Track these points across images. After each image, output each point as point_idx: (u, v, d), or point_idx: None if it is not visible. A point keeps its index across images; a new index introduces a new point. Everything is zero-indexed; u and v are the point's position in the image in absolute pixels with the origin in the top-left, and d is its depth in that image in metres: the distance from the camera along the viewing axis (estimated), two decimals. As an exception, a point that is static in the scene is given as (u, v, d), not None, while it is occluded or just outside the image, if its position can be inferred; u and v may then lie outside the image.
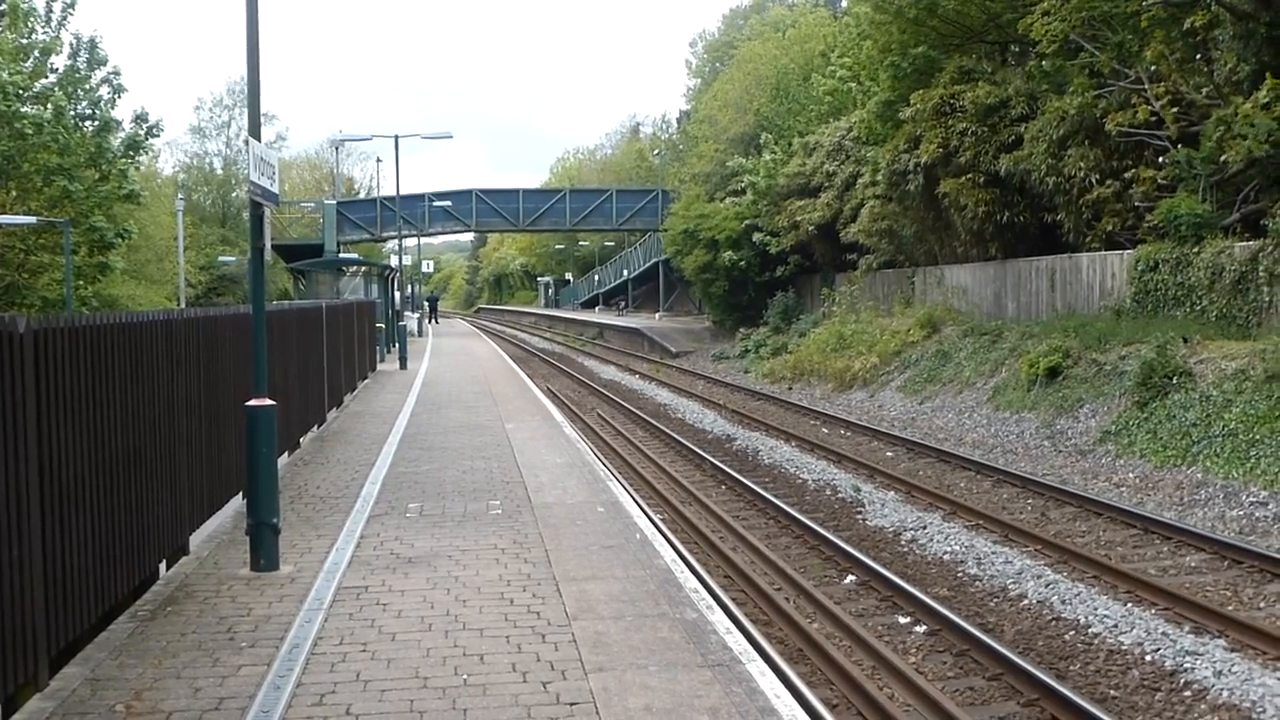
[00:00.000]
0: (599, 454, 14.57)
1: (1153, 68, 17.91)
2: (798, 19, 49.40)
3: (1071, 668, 7.72)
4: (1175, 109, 17.50)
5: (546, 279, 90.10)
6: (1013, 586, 9.50)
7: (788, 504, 12.91)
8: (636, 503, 11.09)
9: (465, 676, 5.56)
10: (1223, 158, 16.29)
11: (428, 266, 67.85)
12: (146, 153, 31.07)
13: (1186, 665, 7.45)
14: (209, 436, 8.36)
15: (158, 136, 29.26)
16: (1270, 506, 11.24)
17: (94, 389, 6.00)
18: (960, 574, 10.10)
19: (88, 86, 27.58)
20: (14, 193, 26.16)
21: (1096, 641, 8.11)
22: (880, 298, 28.79)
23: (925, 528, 11.68)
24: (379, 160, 79.36)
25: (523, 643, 6.05)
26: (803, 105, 40.04)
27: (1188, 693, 7.13)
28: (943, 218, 24.28)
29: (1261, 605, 8.79)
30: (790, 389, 26.54)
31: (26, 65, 26.50)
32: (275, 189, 8.06)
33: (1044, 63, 20.69)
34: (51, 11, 27.37)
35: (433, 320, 60.30)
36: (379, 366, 26.72)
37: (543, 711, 5.11)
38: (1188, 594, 8.82)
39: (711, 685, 5.42)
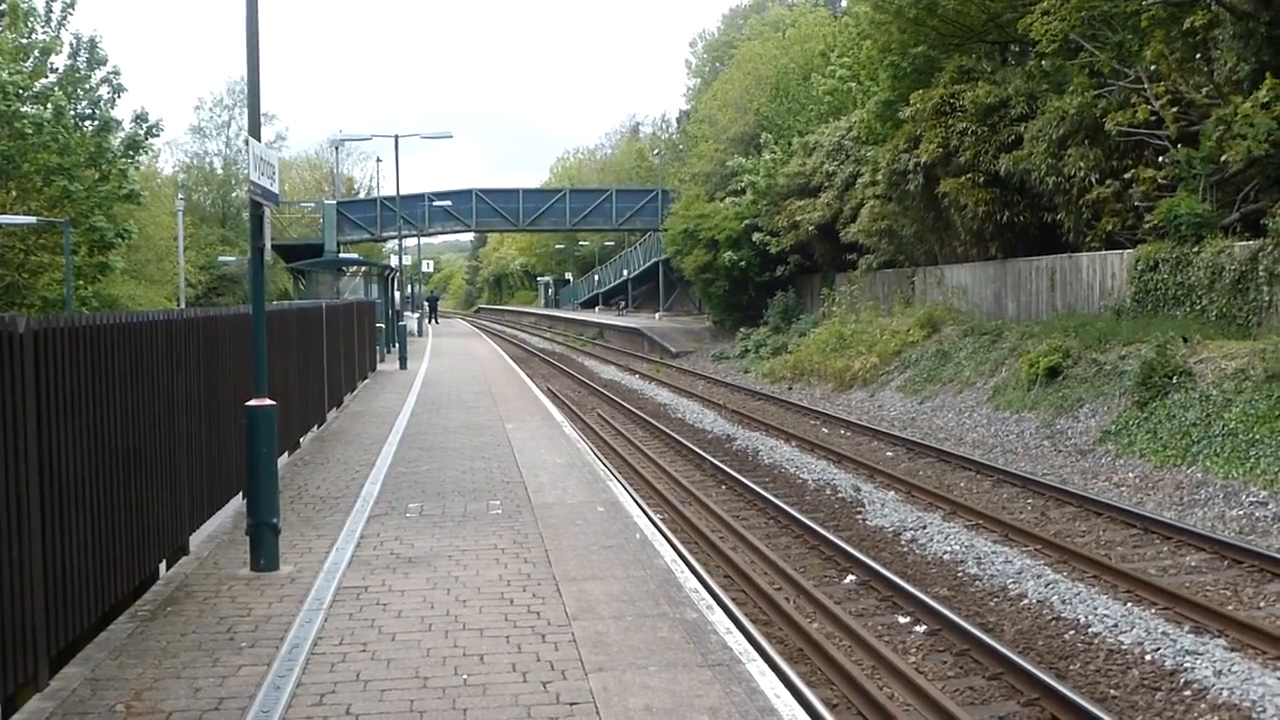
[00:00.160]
0: (599, 454, 14.57)
1: (1152, 67, 17.91)
2: (797, 19, 49.39)
3: (1071, 667, 7.72)
4: (1175, 109, 17.50)
5: (546, 279, 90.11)
6: (1013, 586, 9.51)
7: (788, 504, 12.91)
8: (636, 503, 11.09)
9: (465, 676, 5.56)
10: (1222, 157, 16.29)
11: (428, 266, 67.85)
12: (146, 152, 31.07)
13: (1186, 665, 7.45)
14: (209, 436, 8.36)
15: (158, 136, 29.29)
16: (1270, 506, 11.23)
17: (94, 389, 6.00)
18: (960, 574, 10.10)
19: (88, 86, 27.58)
20: (14, 193, 26.16)
21: (1096, 641, 8.11)
22: (880, 297, 28.79)
23: (925, 527, 11.68)
24: (379, 160, 79.49)
25: (523, 643, 6.05)
26: (802, 105, 40.04)
27: (1188, 692, 7.13)
28: (943, 217, 24.28)
29: (1261, 605, 8.79)
30: (790, 389, 26.54)
31: (26, 65, 26.50)
32: (275, 189, 8.06)
33: (1044, 62, 20.69)
34: (51, 11, 27.39)
35: (433, 320, 60.30)
36: (379, 366, 26.72)
37: (543, 711, 5.11)
38: (1188, 594, 8.82)
39: (711, 685, 5.42)
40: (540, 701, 5.22)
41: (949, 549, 10.81)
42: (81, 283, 26.87)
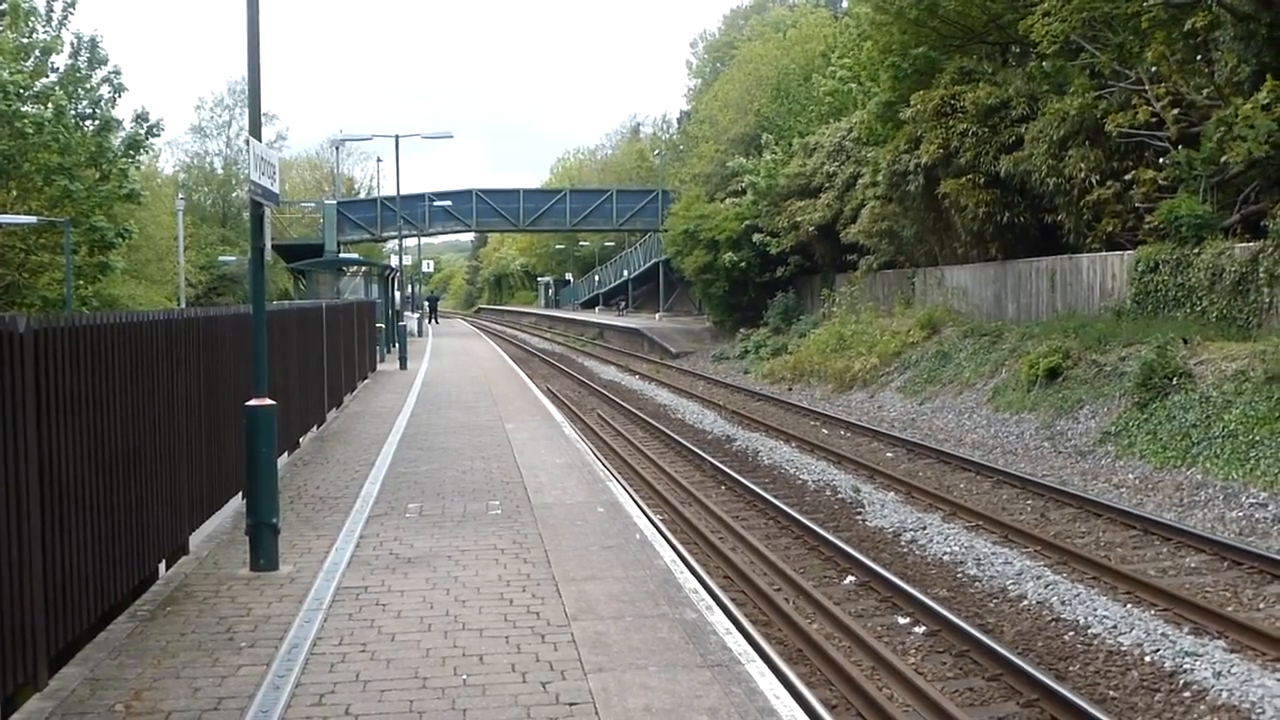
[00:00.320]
0: (599, 454, 14.57)
1: (1153, 69, 17.92)
2: (798, 19, 49.41)
3: (1071, 668, 7.72)
4: (1176, 110, 17.50)
5: (546, 279, 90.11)
6: (1012, 587, 9.50)
7: (787, 504, 12.90)
8: (636, 503, 11.09)
9: (465, 677, 5.56)
10: (1223, 159, 16.29)
11: (428, 266, 67.87)
12: (147, 152, 31.05)
13: (1186, 666, 7.45)
14: (209, 436, 8.36)
15: (158, 136, 29.27)
16: (1270, 508, 11.23)
17: (94, 389, 6.00)
18: (960, 575, 10.09)
19: (88, 86, 27.57)
20: (14, 192, 26.16)
21: (1096, 642, 8.10)
22: (880, 298, 28.79)
23: (925, 528, 11.68)
24: (379, 160, 79.52)
25: (522, 643, 6.04)
26: (803, 106, 40.05)
27: (1187, 693, 7.13)
28: (943, 218, 24.28)
29: (1261, 606, 8.79)
30: (790, 390, 26.54)
31: (27, 64, 26.49)
32: (275, 189, 8.06)
33: (1044, 63, 20.69)
34: (52, 11, 27.39)
35: (433, 320, 60.31)
36: (379, 366, 26.72)
37: (542, 712, 5.11)
38: (1187, 595, 8.82)
39: (711, 685, 5.42)
40: (540, 702, 5.22)
41: (949, 550, 10.81)
42: (82, 282, 26.86)
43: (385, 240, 55.49)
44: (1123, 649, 7.91)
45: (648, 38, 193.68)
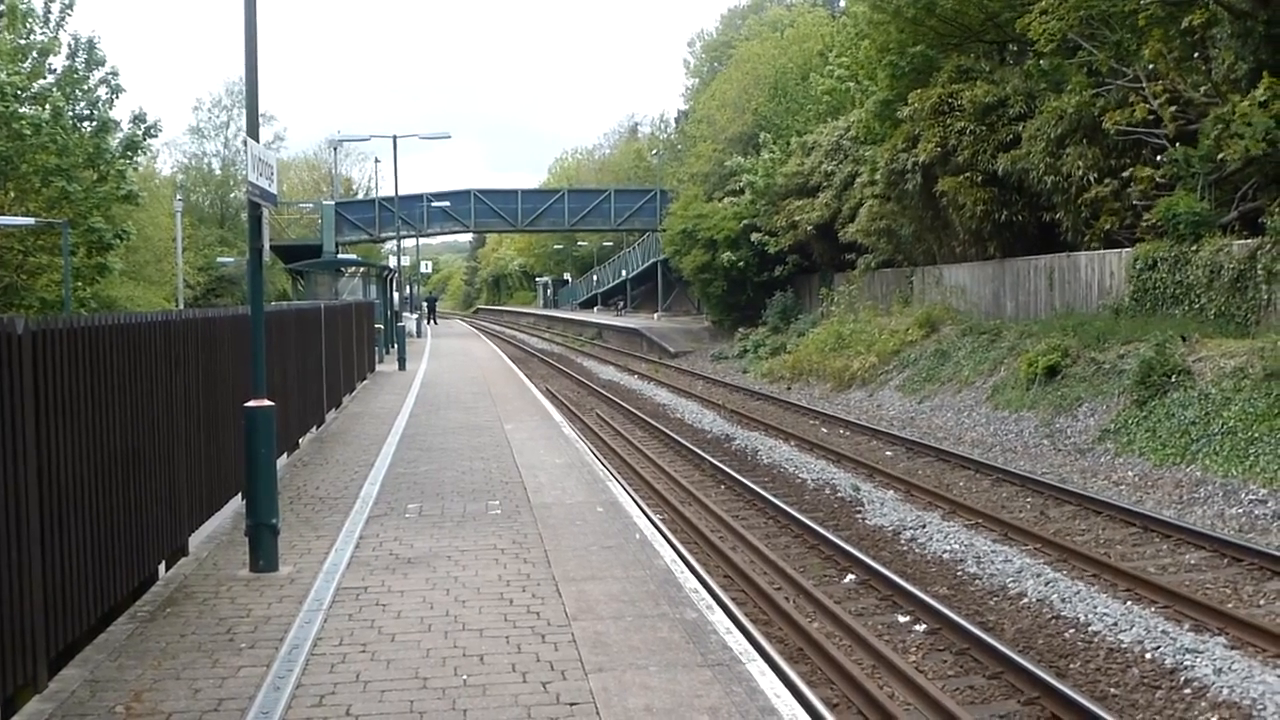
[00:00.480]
0: (598, 454, 14.57)
1: (1151, 66, 17.92)
2: (796, 19, 49.39)
3: (1071, 666, 7.72)
4: (1173, 107, 17.50)
5: (545, 279, 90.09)
6: (1012, 585, 9.50)
7: (787, 503, 12.90)
8: (636, 503, 11.09)
9: (465, 677, 5.56)
10: (1220, 156, 16.30)
11: (426, 267, 67.83)
12: (145, 153, 31.06)
13: (1186, 663, 7.45)
14: (208, 437, 8.36)
15: (156, 137, 29.29)
16: (1269, 504, 11.24)
17: (92, 390, 5.99)
18: (960, 573, 10.09)
19: (86, 87, 27.56)
20: (12, 193, 26.15)
21: (1096, 640, 8.11)
22: (879, 297, 28.79)
23: (924, 526, 11.68)
24: (377, 161, 79.49)
25: (522, 643, 6.04)
26: (801, 105, 40.04)
27: (1188, 690, 7.13)
28: (941, 217, 24.28)
29: (1261, 603, 8.79)
30: (789, 389, 26.54)
31: (25, 66, 26.48)
32: (273, 189, 8.05)
33: (1042, 62, 20.69)
34: (50, 12, 27.37)
35: (431, 321, 60.28)
36: (378, 367, 26.71)
37: (543, 712, 5.11)
38: (1187, 592, 8.82)
39: (711, 685, 5.41)
40: (540, 702, 5.22)
41: (948, 548, 10.81)
42: (80, 284, 26.85)
43: (383, 241, 55.46)
44: (1123, 646, 7.91)
45: (645, 37, 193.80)
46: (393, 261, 41.90)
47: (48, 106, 25.26)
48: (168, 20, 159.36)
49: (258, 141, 7.74)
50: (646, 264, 60.47)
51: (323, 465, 12.11)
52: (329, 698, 5.29)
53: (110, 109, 27.62)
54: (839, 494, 13.80)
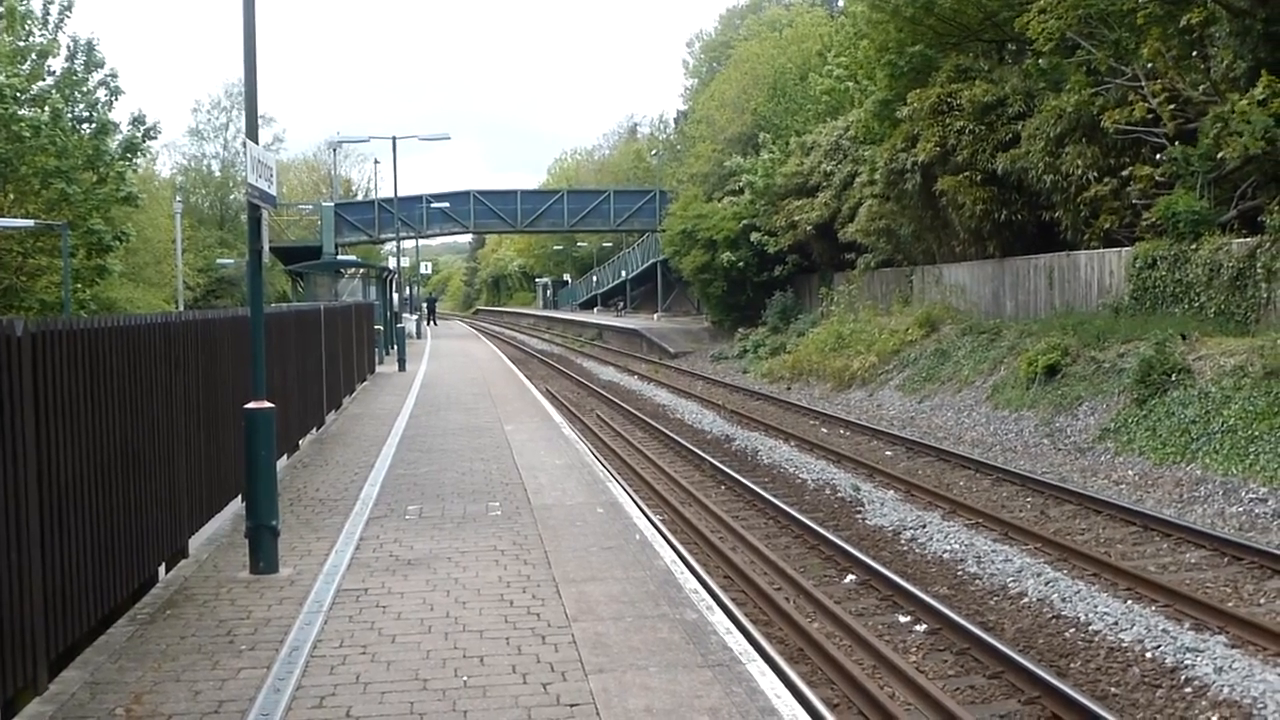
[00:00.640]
0: (598, 455, 14.56)
1: (1149, 65, 17.92)
2: (794, 18, 49.40)
3: (1072, 665, 7.72)
4: (1172, 106, 17.50)
5: (545, 280, 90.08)
6: (1012, 584, 9.50)
7: (787, 504, 12.90)
8: (636, 504, 11.09)
9: (465, 678, 5.55)
10: (1220, 154, 16.30)
11: (426, 268, 67.85)
12: (144, 155, 31.07)
13: (1187, 662, 7.45)
14: (208, 439, 8.36)
15: (155, 139, 29.29)
16: (1270, 503, 11.23)
17: (92, 392, 5.99)
18: (960, 572, 10.09)
19: (85, 89, 27.56)
20: (12, 195, 26.16)
21: (1097, 639, 8.10)
22: (878, 297, 28.80)
23: (925, 526, 11.68)
24: (376, 162, 79.46)
25: (523, 644, 6.04)
26: (800, 105, 40.04)
27: (1188, 689, 7.13)
28: (940, 216, 24.28)
29: (1262, 601, 8.79)
30: (789, 389, 26.54)
31: (24, 67, 26.49)
32: (273, 191, 8.05)
33: (1041, 61, 20.69)
34: (49, 14, 27.38)
35: (431, 322, 60.29)
36: (377, 368, 26.71)
37: (543, 713, 5.10)
38: (1188, 591, 8.82)
39: (712, 685, 5.41)
40: (540, 703, 5.22)
41: (949, 548, 10.81)
42: (79, 285, 26.85)
43: (383, 242, 55.50)
44: (1124, 645, 7.91)
45: (644, 38, 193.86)
46: (392, 263, 41.93)
47: (47, 108, 25.28)
48: (167, 22, 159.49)
49: (257, 143, 7.74)
50: (646, 264, 60.46)
51: (323, 467, 12.11)
52: (329, 699, 5.29)
53: (109, 111, 27.65)
54: (839, 494, 13.80)
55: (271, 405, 7.78)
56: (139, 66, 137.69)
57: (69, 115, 26.34)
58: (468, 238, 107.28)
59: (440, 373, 26.07)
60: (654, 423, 20.80)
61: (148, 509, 6.86)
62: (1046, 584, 9.32)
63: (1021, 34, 20.96)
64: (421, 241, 56.06)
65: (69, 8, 27.52)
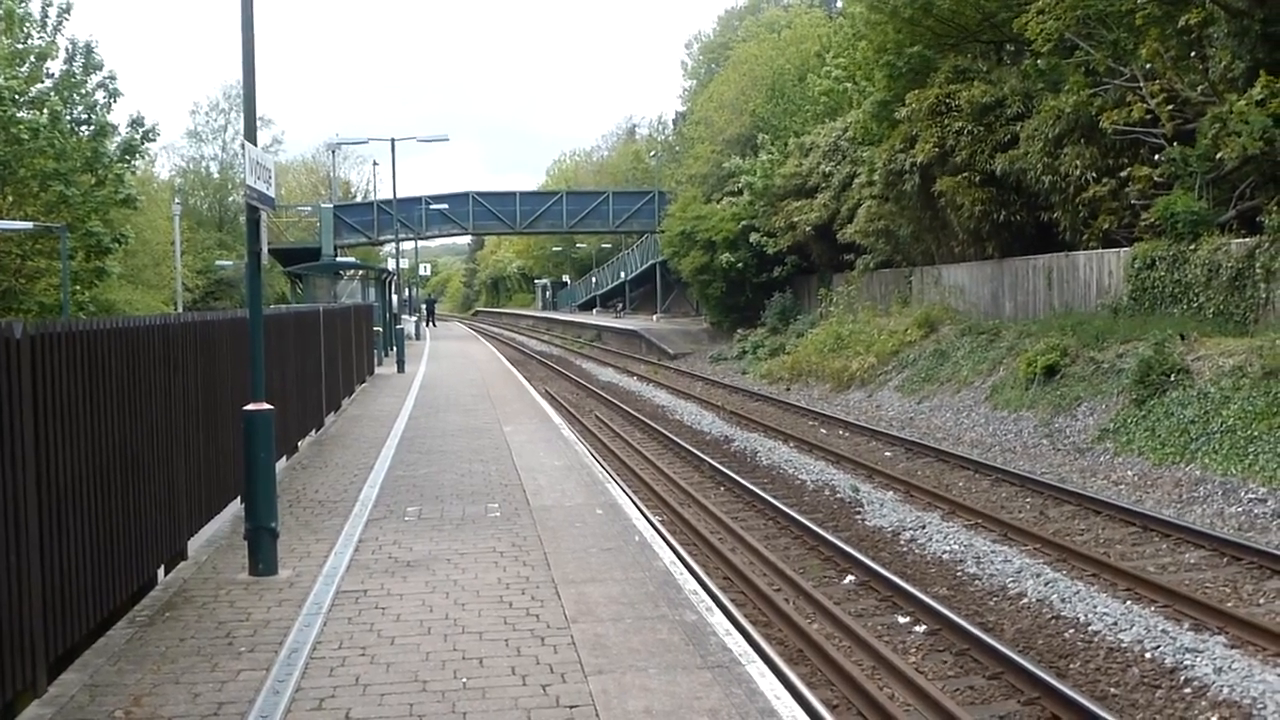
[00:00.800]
0: (597, 456, 14.56)
1: (1148, 66, 17.92)
2: (793, 20, 49.41)
3: (1071, 666, 7.72)
4: (1170, 107, 17.50)
5: (544, 281, 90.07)
6: (1012, 585, 9.50)
7: (786, 505, 12.90)
8: (635, 505, 11.09)
9: (464, 680, 5.55)
10: (1218, 155, 16.31)
11: (425, 270, 67.83)
12: (143, 157, 31.04)
13: (1186, 662, 7.45)
14: (207, 441, 8.35)
15: (154, 141, 29.26)
16: (1269, 503, 11.24)
17: (91, 394, 5.99)
18: (959, 573, 10.09)
19: (84, 91, 27.54)
20: (10, 198, 26.14)
21: (1096, 639, 8.10)
22: (877, 298, 28.80)
23: (924, 527, 11.68)
24: (375, 164, 79.33)
25: (522, 646, 6.04)
26: (798, 106, 40.05)
27: (1188, 690, 7.13)
28: (939, 217, 24.29)
29: (1261, 602, 8.79)
30: (788, 390, 26.54)
31: (22, 70, 26.47)
32: (272, 193, 8.05)
33: (1039, 61, 20.69)
34: (47, 17, 27.36)
35: (430, 323, 60.27)
36: (377, 370, 26.70)
37: (542, 715, 5.10)
38: (1187, 591, 8.82)
39: (711, 687, 5.41)
40: (540, 704, 5.21)
41: (948, 548, 10.81)
42: (78, 288, 26.85)
43: (382, 244, 55.48)
44: (1123, 646, 7.91)
45: (642, 39, 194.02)
46: (391, 264, 41.92)
47: (45, 111, 25.26)
48: (165, 24, 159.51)
49: (255, 145, 7.74)
50: (645, 266, 60.44)
51: (322, 468, 12.10)
52: (328, 701, 5.29)
53: (108, 113, 27.62)
54: (838, 495, 13.80)
55: (270, 407, 7.78)
56: (137, 68, 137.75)
57: (68, 118, 26.32)
58: (467, 239, 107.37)
59: (439, 374, 26.07)
60: (653, 424, 20.79)
61: (147, 511, 6.86)
62: (1046, 584, 9.32)
63: (1020, 35, 20.97)
64: (420, 243, 56.04)
65: (67, 10, 27.51)
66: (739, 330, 37.09)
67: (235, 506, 9.12)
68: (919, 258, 27.23)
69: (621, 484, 12.86)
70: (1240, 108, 15.54)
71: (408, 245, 48.98)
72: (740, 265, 36.89)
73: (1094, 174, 19.12)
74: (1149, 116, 17.75)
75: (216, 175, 62.91)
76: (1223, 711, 6.78)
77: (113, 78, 27.88)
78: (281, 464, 11.75)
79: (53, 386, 5.48)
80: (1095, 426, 15.35)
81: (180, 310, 38.16)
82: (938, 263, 26.08)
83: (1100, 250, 19.36)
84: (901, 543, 11.36)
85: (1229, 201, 16.85)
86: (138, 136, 28.17)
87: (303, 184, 75.71)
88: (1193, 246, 16.49)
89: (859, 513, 12.77)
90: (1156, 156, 17.96)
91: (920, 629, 8.43)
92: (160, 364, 7.23)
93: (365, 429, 15.61)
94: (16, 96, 24.97)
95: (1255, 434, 12.44)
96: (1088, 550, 10.29)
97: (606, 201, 55.30)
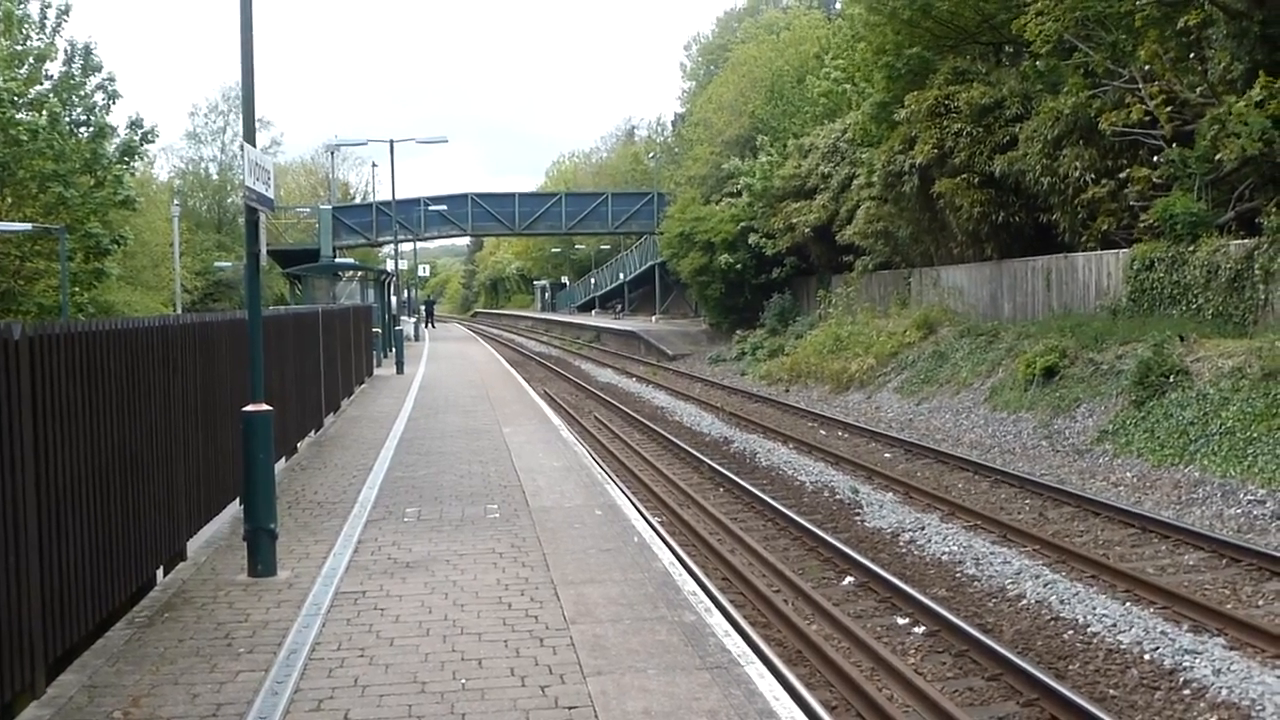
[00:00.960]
0: (596, 457, 14.57)
1: (1147, 67, 17.93)
2: (791, 21, 49.43)
3: (1071, 667, 7.71)
4: (1169, 108, 17.51)
5: (543, 282, 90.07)
6: (1011, 586, 9.50)
7: (785, 506, 12.90)
8: (634, 506, 11.08)
9: (463, 681, 5.55)
10: (1217, 156, 16.32)
11: (424, 271, 67.83)
12: (142, 159, 31.03)
13: (1185, 664, 7.45)
14: (206, 442, 8.35)
15: (153, 142, 29.25)
16: (1268, 504, 11.24)
17: (90, 395, 5.99)
18: (959, 574, 10.09)
19: (83, 93, 27.55)
20: (9, 199, 26.14)
21: (1095, 641, 8.10)
22: (877, 299, 28.81)
23: (923, 528, 11.68)
24: (374, 165, 79.52)
25: (521, 647, 6.03)
26: (797, 107, 40.06)
27: (1187, 691, 7.13)
28: (938, 219, 24.30)
29: (1260, 603, 8.79)
30: (787, 391, 26.54)
31: (21, 72, 26.48)
32: (271, 194, 8.05)
33: (1038, 63, 20.71)
34: (46, 18, 27.37)
35: (429, 325, 60.26)
36: (375, 371, 26.69)
37: (541, 716, 5.10)
38: (1186, 592, 8.82)
39: (710, 688, 5.41)
40: (539, 705, 5.21)
41: (947, 550, 10.81)
42: (77, 289, 26.84)
43: (381, 245, 55.40)
44: (1122, 647, 7.91)
45: (641, 40, 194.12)
46: (390, 265, 41.92)
47: (44, 112, 25.25)
48: (164, 26, 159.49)
49: (254, 146, 7.74)
50: (644, 267, 60.44)
51: (321, 469, 12.10)
52: (327, 702, 5.29)
53: (107, 114, 27.63)
54: (838, 496, 13.80)
55: (269, 408, 7.77)
56: (136, 70, 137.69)
57: (66, 119, 26.33)
58: (466, 240, 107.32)
59: (438, 375, 26.06)
60: (652, 425, 20.79)
61: (146, 512, 6.86)
62: (1045, 586, 9.33)
63: (1019, 36, 20.99)
64: (419, 244, 56.02)
65: (66, 12, 27.52)
66: (738, 331, 37.08)
67: (234, 507, 9.11)
68: (918, 259, 27.24)
69: (621, 485, 12.86)
70: (1239, 109, 15.55)
71: (406, 246, 48.97)
72: (739, 266, 36.90)
73: (1093, 175, 19.14)
74: (1148, 118, 17.76)
75: (215, 177, 62.93)
76: (1221, 713, 6.78)
77: (112, 79, 27.92)
78: (280, 465, 11.75)
79: (52, 388, 5.47)
80: (1094, 428, 15.35)
81: (179, 311, 38.15)
82: (937, 264, 26.09)
83: (1099, 251, 19.37)
84: (901, 544, 11.36)
85: (1228, 203, 16.86)
86: (137, 138, 28.16)
87: (301, 185, 75.71)
88: (1192, 248, 16.50)
89: (858, 514, 12.77)
90: (1155, 158, 17.97)
91: (919, 630, 8.43)
92: (159, 365, 7.22)
93: (364, 430, 15.61)
94: (15, 98, 24.97)
95: (1254, 435, 12.44)
96: (1087, 552, 10.29)
97: (605, 203, 55.29)
